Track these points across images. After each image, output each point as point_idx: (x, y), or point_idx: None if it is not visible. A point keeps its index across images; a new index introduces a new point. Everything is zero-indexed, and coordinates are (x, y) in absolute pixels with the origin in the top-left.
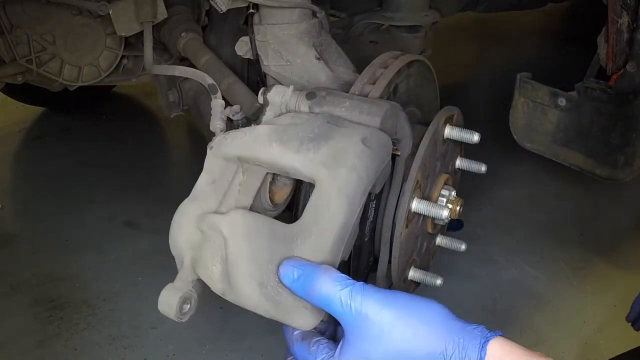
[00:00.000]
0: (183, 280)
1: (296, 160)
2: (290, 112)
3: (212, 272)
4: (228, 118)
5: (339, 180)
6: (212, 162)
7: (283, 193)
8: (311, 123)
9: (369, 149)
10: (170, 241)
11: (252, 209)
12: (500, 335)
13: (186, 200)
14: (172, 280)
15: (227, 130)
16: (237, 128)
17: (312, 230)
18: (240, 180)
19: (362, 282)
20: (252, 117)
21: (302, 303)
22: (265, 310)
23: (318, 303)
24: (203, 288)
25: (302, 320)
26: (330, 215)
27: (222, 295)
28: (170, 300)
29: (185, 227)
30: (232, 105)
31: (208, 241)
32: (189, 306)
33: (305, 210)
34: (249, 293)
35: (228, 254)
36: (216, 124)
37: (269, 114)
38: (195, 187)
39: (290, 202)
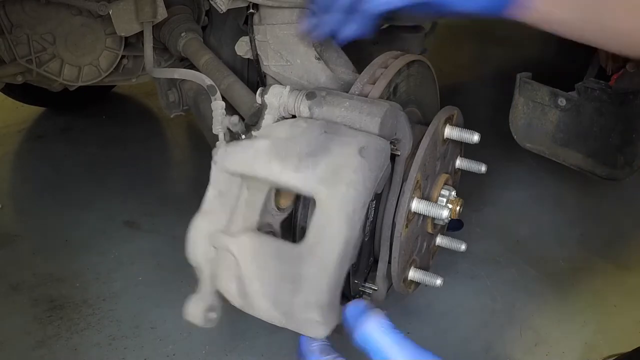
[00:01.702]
0: (204, 291)
1: (296, 179)
2: (289, 113)
3: (230, 289)
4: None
5: (338, 199)
6: (217, 176)
7: (288, 199)
8: (308, 135)
9: (367, 160)
10: (188, 255)
11: (260, 220)
12: None
13: (197, 215)
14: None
15: (229, 133)
16: (238, 136)
17: (317, 250)
18: (245, 196)
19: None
20: (251, 122)
21: (314, 315)
22: (280, 322)
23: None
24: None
25: (315, 330)
26: (332, 235)
27: (241, 309)
28: (196, 311)
29: (200, 243)
30: (232, 105)
31: (222, 259)
32: (213, 313)
33: (308, 230)
34: (264, 308)
35: (241, 274)
36: (218, 128)
37: (267, 118)
38: (204, 201)
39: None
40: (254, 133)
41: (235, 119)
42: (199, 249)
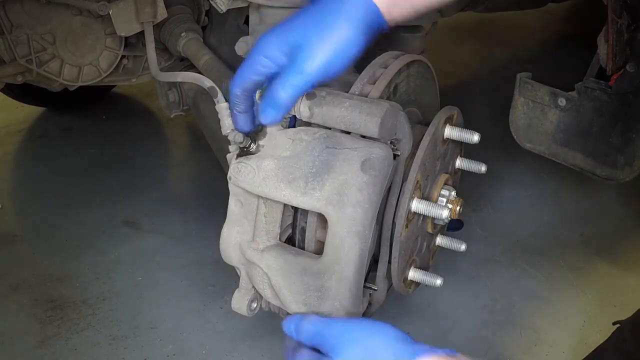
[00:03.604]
0: (245, 288)
1: (305, 202)
2: (289, 114)
3: (265, 293)
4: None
5: (346, 220)
6: (235, 189)
7: None
8: (311, 153)
9: (370, 175)
10: (223, 259)
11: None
12: (443, 354)
13: (225, 225)
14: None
15: (236, 146)
16: (246, 149)
17: (334, 267)
18: (264, 210)
19: (329, 318)
20: (257, 130)
21: (341, 314)
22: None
23: (304, 339)
24: None
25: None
26: (346, 253)
27: (278, 306)
28: (241, 302)
29: (232, 251)
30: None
31: (254, 269)
32: (255, 304)
33: (325, 249)
34: (296, 309)
35: (272, 284)
36: (226, 130)
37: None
38: (229, 211)
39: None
40: (260, 143)
41: (239, 136)
42: (232, 256)
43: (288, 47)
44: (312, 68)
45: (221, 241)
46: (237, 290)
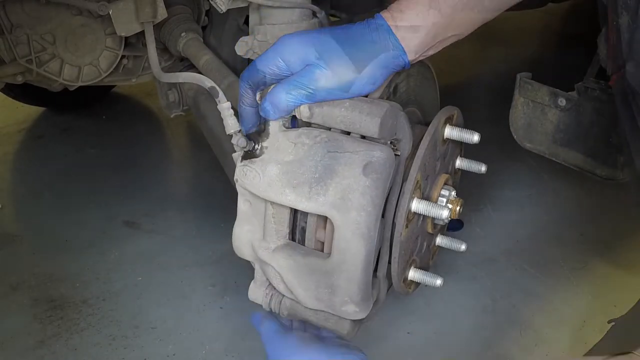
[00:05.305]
0: (260, 280)
1: (310, 207)
2: (290, 114)
3: (279, 287)
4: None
5: (351, 224)
6: (242, 190)
7: None
8: (314, 157)
9: (372, 179)
10: (237, 254)
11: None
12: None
13: (236, 224)
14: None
15: (240, 148)
16: (250, 152)
17: (342, 267)
18: (271, 212)
19: (278, 333)
20: (260, 130)
21: (352, 308)
22: (326, 310)
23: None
24: None
25: (354, 316)
26: (353, 255)
27: (292, 299)
28: (257, 293)
29: (245, 249)
30: (233, 106)
31: (266, 266)
32: (271, 294)
33: (332, 250)
34: (309, 303)
35: (285, 282)
36: (230, 130)
37: (273, 124)
38: (238, 210)
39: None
40: (263, 144)
41: (243, 141)
42: (245, 252)
43: (307, 59)
44: (323, 88)
45: (234, 238)
46: (252, 282)
